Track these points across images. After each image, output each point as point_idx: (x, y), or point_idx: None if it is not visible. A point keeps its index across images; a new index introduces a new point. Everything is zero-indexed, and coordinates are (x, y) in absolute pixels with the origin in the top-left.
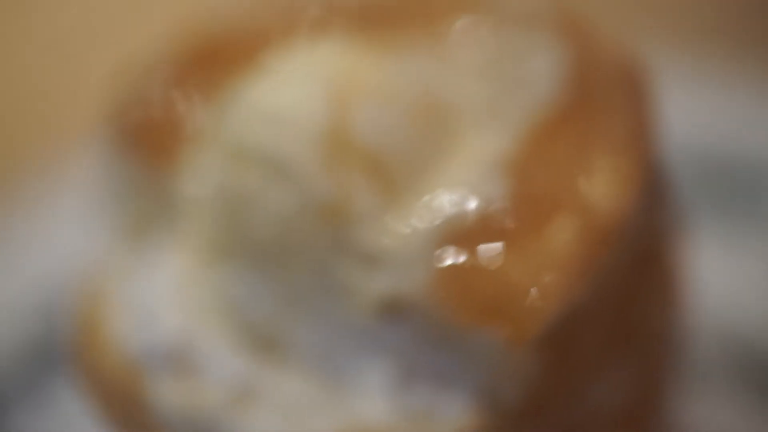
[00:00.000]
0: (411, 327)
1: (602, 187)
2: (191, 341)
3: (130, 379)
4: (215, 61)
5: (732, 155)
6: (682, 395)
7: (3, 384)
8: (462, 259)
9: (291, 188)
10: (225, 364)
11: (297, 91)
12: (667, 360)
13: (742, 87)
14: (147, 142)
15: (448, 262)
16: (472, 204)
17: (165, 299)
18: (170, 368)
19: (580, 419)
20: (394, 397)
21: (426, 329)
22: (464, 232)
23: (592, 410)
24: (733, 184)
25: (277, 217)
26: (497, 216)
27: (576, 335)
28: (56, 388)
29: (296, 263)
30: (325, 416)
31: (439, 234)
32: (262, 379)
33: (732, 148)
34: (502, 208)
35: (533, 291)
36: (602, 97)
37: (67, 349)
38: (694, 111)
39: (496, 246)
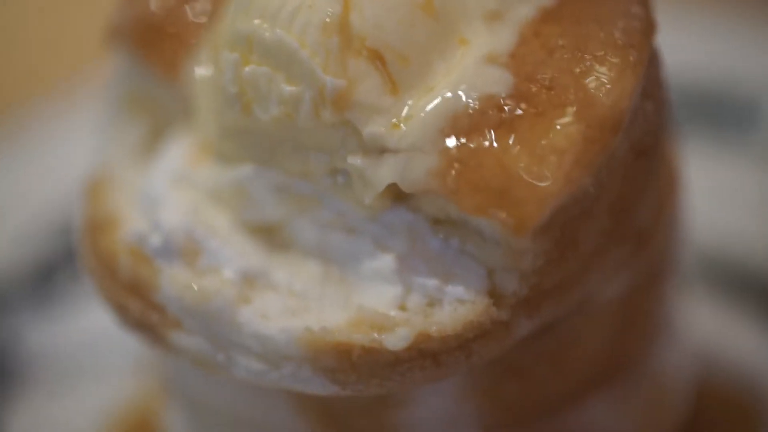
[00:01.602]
0: (414, 217)
1: (603, 78)
2: (197, 231)
3: (137, 269)
4: None
5: (720, 84)
6: (674, 295)
7: (12, 291)
8: (466, 148)
9: (298, 78)
10: (231, 253)
11: None
12: (662, 256)
13: (731, 21)
14: (148, 38)
15: (452, 151)
16: (476, 96)
17: (172, 192)
18: (176, 258)
19: (579, 307)
20: (398, 286)
21: (429, 218)
22: (468, 123)
23: (589, 300)
24: (722, 110)
25: (282, 107)
26: (500, 107)
27: (576, 227)
28: (64, 294)
29: (301, 153)
30: (330, 304)
31: (443, 124)
32: (268, 267)
33: (720, 78)
34: (505, 99)
35: (536, 179)
36: None
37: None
38: (686, 42)
39: (500, 135)
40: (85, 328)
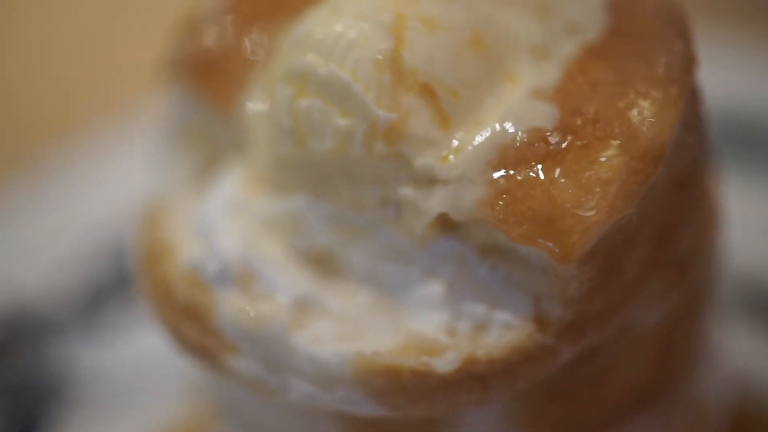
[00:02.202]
0: (462, 244)
1: (646, 113)
2: (252, 259)
3: (194, 295)
4: None
5: (757, 114)
6: (712, 321)
7: (66, 312)
8: (513, 179)
9: (351, 111)
10: (285, 280)
11: (356, 20)
12: (701, 284)
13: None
14: (205, 74)
15: (501, 181)
16: (523, 129)
17: (228, 221)
18: (232, 284)
19: (621, 333)
20: (447, 311)
21: (477, 247)
22: (515, 155)
23: (631, 326)
24: (757, 140)
25: (336, 140)
26: (546, 140)
27: (619, 255)
28: (115, 315)
29: (352, 184)
30: (381, 329)
31: (492, 156)
32: (321, 294)
33: (758, 109)
34: (551, 132)
35: (582, 209)
36: (646, 28)
37: (134, 276)
38: (722, 74)
39: (546, 167)
40: (134, 352)
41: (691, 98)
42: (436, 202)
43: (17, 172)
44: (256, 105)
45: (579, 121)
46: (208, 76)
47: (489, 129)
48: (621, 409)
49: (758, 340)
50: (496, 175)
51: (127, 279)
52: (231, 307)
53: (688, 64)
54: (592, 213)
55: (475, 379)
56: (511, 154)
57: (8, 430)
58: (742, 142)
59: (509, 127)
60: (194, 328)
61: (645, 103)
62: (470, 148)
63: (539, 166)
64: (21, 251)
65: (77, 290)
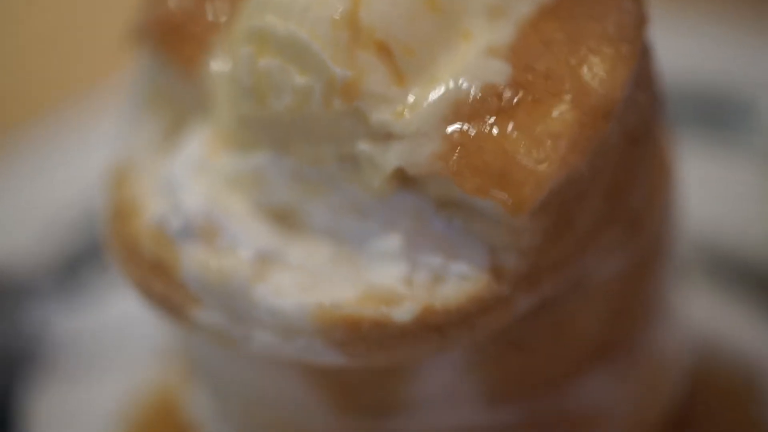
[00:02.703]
0: (419, 197)
1: (597, 69)
2: (215, 214)
3: (160, 251)
4: None
5: (718, 85)
6: (670, 280)
7: (42, 277)
8: (467, 133)
9: (309, 69)
10: (247, 234)
11: None
12: (655, 241)
13: (728, 23)
14: (170, 37)
15: (455, 136)
16: (477, 85)
17: (191, 177)
18: (196, 239)
19: (576, 286)
20: (406, 262)
21: (434, 199)
22: (469, 110)
23: (586, 275)
24: (716, 106)
25: (295, 97)
26: (500, 96)
27: (572, 207)
28: (91, 281)
29: (312, 140)
30: (341, 280)
31: (447, 111)
32: (282, 248)
33: (718, 79)
34: (505, 88)
35: (533, 162)
36: None
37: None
38: (684, 44)
39: (499, 122)
40: (108, 317)
41: (643, 56)
42: (392, 157)
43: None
44: (218, 65)
45: (532, 78)
46: (173, 39)
47: (444, 85)
48: (578, 361)
49: (718, 304)
50: (450, 129)
51: (102, 245)
52: (195, 261)
53: (639, 22)
54: (543, 166)
55: (433, 328)
56: (465, 110)
57: None
58: (704, 112)
59: (464, 83)
60: (160, 283)
61: (596, 60)
62: (425, 104)
63: (492, 121)
64: (3, 219)
65: (54, 256)
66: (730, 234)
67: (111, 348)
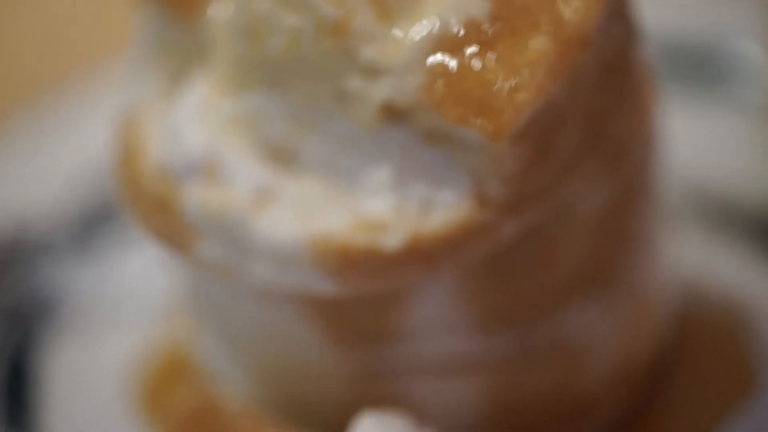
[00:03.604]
0: (407, 130)
1: (573, 1)
2: (215, 154)
3: (163, 190)
4: None
5: (699, 34)
6: (656, 218)
7: (56, 236)
8: (449, 65)
9: (298, 11)
10: (245, 171)
11: None
12: (639, 174)
13: None
14: None
15: (438, 68)
16: (459, 19)
17: (192, 120)
18: (196, 177)
19: (560, 212)
20: (395, 193)
21: (420, 131)
22: (452, 44)
23: (570, 206)
24: (698, 61)
25: (286, 36)
26: (480, 29)
27: (552, 134)
28: (104, 241)
29: (305, 78)
30: (334, 212)
31: (431, 46)
32: (279, 183)
33: (699, 29)
34: (484, 22)
35: (511, 88)
36: None
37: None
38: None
39: (480, 53)
40: (121, 275)
41: None
42: (380, 91)
43: (15, 109)
44: (217, 10)
45: (510, 11)
46: None
47: (428, 21)
48: (564, 291)
49: (707, 247)
50: (434, 63)
51: (116, 203)
52: (196, 197)
53: None
54: (521, 93)
55: (422, 254)
56: (448, 44)
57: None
58: (687, 62)
59: (446, 18)
60: (164, 219)
61: None
62: (411, 39)
63: (473, 53)
64: (17, 178)
65: (69, 215)
66: (719, 179)
67: (124, 305)
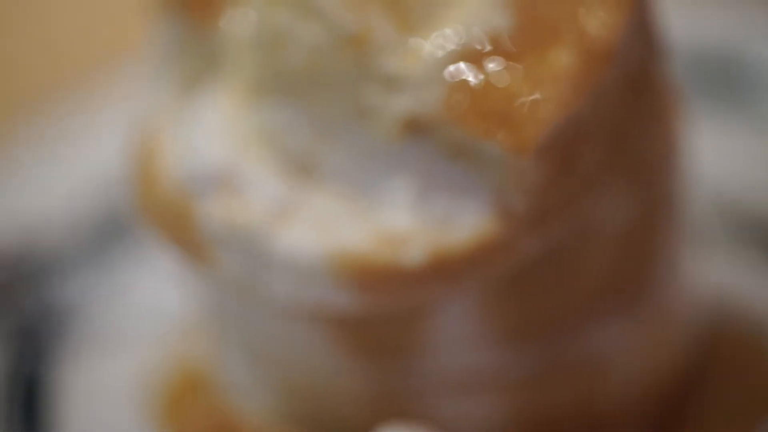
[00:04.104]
0: (428, 144)
1: (598, 14)
2: (234, 166)
3: (181, 203)
4: None
5: (723, 49)
6: (682, 238)
7: (69, 251)
8: (471, 77)
9: (318, 23)
10: (265, 185)
11: None
12: (664, 194)
13: None
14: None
15: (460, 82)
16: (481, 32)
17: (211, 132)
18: (215, 190)
19: (585, 230)
20: (416, 207)
21: (442, 144)
22: (473, 56)
23: (594, 224)
24: (726, 73)
25: (307, 50)
26: (503, 41)
27: (576, 149)
28: (117, 256)
29: (326, 92)
30: (355, 227)
31: (451, 58)
32: (299, 197)
33: (724, 44)
34: (508, 34)
35: (534, 102)
36: None
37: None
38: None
39: (502, 65)
40: (137, 291)
41: (642, 3)
42: (401, 105)
43: (23, 119)
44: (235, 22)
45: (533, 23)
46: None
47: (450, 33)
48: (587, 307)
49: (736, 265)
50: (456, 75)
51: (131, 219)
52: (215, 210)
53: None
54: (545, 106)
55: (444, 270)
56: (470, 56)
57: (15, 369)
58: (712, 77)
59: (468, 29)
60: (181, 231)
61: (596, 5)
62: (432, 51)
63: (496, 66)
64: (27, 190)
65: (83, 229)
66: (748, 195)
67: (138, 320)
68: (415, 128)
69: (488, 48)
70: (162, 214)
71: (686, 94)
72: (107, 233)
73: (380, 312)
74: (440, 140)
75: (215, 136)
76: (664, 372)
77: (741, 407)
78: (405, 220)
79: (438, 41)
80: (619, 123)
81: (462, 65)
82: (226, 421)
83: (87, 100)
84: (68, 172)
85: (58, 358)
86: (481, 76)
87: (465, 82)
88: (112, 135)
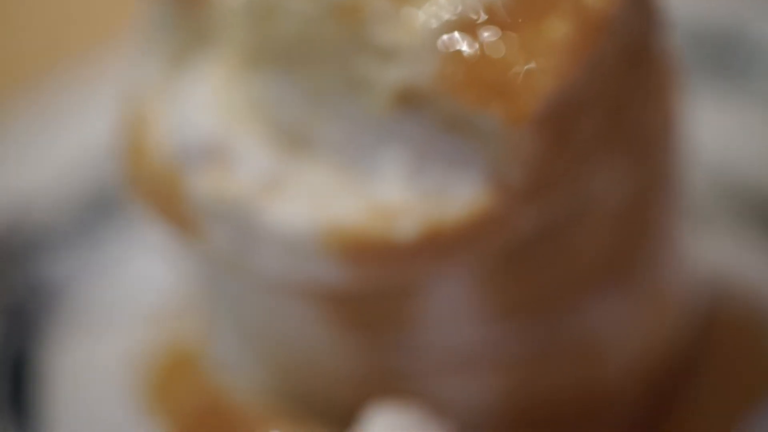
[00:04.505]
0: (423, 115)
1: None
2: (224, 139)
3: (171, 176)
4: None
5: (723, 25)
6: (680, 216)
7: (59, 227)
8: (466, 48)
9: None
10: (255, 158)
11: None
12: (661, 171)
13: None
14: None
15: (455, 53)
16: (477, 3)
17: (201, 105)
18: (205, 163)
19: (581, 206)
20: (410, 181)
21: (436, 116)
22: (468, 27)
23: (590, 199)
24: (725, 50)
25: (299, 20)
26: (498, 11)
27: (572, 121)
28: (107, 233)
29: (318, 63)
30: (347, 200)
31: (445, 28)
32: (290, 169)
33: (723, 20)
34: (503, 4)
35: (530, 72)
36: None
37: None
38: None
39: (497, 35)
40: (126, 270)
41: None
42: (396, 76)
43: (15, 94)
44: None
45: None
46: None
47: (445, 3)
48: (583, 285)
49: (735, 245)
50: (450, 46)
51: (121, 196)
52: (205, 182)
53: None
54: (540, 77)
55: (438, 244)
56: (464, 26)
57: (2, 346)
58: (714, 55)
59: (464, 0)
60: (171, 204)
61: None
62: (426, 21)
63: (491, 36)
64: (17, 166)
65: (72, 209)
66: (748, 173)
67: (128, 299)
68: (409, 100)
69: (483, 18)
70: (151, 187)
71: (688, 69)
72: (97, 211)
73: (372, 287)
74: (434, 112)
75: (205, 109)
76: (659, 352)
77: (736, 389)
78: (398, 194)
79: (432, 11)
80: (616, 95)
81: (456, 35)
82: (215, 400)
83: (77, 77)
84: (58, 148)
85: (47, 336)
86: (476, 47)
87: (459, 52)
88: (102, 111)
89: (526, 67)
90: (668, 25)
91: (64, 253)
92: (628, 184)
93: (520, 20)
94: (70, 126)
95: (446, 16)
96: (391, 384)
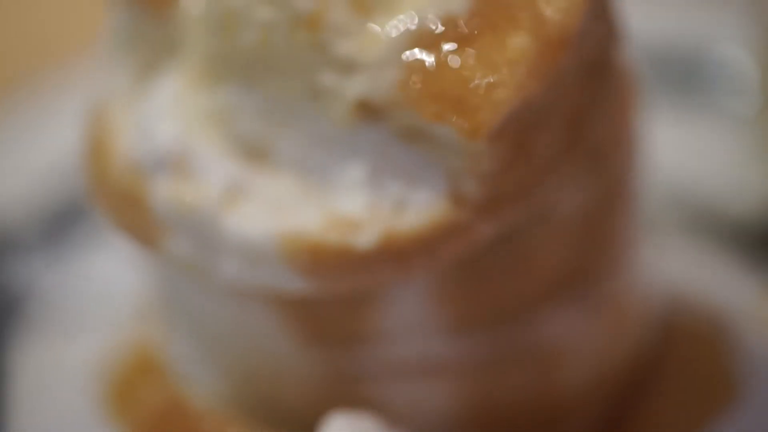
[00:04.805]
0: (382, 127)
1: (555, 0)
2: (185, 148)
3: (133, 185)
4: None
5: (682, 41)
6: (637, 225)
7: (25, 233)
8: (426, 61)
9: (272, 3)
10: (216, 167)
11: None
12: (619, 180)
13: None
14: None
15: (415, 65)
16: (437, 15)
17: (163, 114)
18: (166, 172)
19: (539, 217)
20: (369, 191)
21: (396, 128)
22: (429, 40)
23: (549, 211)
24: (684, 65)
25: (260, 31)
26: (458, 26)
27: (531, 134)
28: (73, 239)
29: (279, 74)
30: (306, 209)
31: (407, 42)
32: (251, 179)
33: (682, 36)
34: (464, 18)
35: (490, 86)
36: None
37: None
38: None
39: (458, 50)
40: (91, 274)
41: None
42: (356, 88)
43: None
44: (189, 3)
45: (490, 8)
46: None
47: (405, 16)
48: (542, 293)
49: (692, 256)
50: (410, 59)
51: (87, 204)
52: (165, 191)
53: None
54: (499, 91)
55: (395, 254)
56: (425, 40)
57: None
58: (671, 72)
59: (424, 14)
60: (132, 214)
61: None
62: (387, 34)
63: (451, 50)
64: None
65: (40, 211)
66: (703, 187)
67: (92, 304)
68: (369, 111)
69: (444, 31)
70: (114, 196)
71: (646, 85)
72: (63, 217)
73: (331, 295)
74: (394, 124)
75: (167, 118)
76: (615, 362)
77: (693, 400)
78: (358, 204)
79: (394, 24)
80: (575, 108)
81: (417, 49)
82: (177, 405)
83: (45, 87)
84: (25, 157)
85: (12, 340)
86: (436, 60)
87: (420, 65)
88: (69, 120)
89: (485, 81)
90: (627, 38)
91: (30, 258)
92: (587, 196)
93: (480, 33)
94: (37, 135)
95: (407, 28)
96: (350, 391)
